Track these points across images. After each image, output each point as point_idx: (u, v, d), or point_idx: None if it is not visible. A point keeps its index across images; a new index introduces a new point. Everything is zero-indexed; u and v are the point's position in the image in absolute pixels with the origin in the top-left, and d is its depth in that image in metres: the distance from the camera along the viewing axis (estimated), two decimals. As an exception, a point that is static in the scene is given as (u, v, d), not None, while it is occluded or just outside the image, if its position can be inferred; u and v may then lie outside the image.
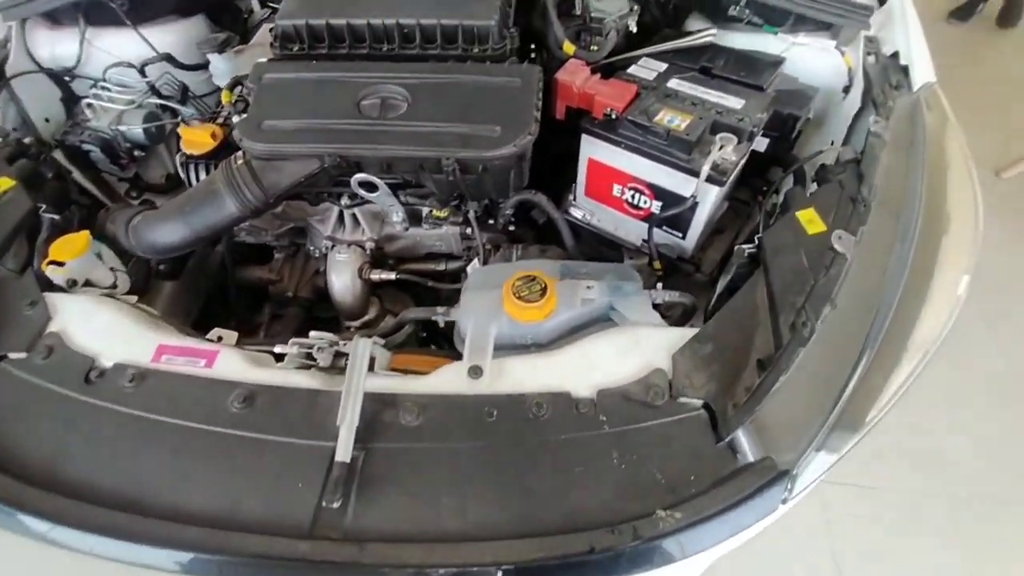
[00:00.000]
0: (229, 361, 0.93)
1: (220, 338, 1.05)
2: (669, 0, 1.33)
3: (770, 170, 1.33)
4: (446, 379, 0.89)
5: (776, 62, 1.22)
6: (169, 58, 1.41)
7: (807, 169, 1.20)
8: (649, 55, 1.23)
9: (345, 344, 0.90)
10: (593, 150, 1.16)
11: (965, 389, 2.11)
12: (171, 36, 1.44)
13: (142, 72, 1.41)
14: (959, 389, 2.09)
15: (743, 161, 1.07)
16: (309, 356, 0.91)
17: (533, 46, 1.24)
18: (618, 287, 0.97)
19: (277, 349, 0.91)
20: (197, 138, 1.14)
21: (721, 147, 1.01)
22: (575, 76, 1.12)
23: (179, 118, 1.36)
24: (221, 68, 1.41)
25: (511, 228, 1.29)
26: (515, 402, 0.85)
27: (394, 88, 1.04)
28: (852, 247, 0.89)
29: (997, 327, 2.32)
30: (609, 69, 1.22)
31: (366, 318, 1.32)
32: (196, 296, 1.48)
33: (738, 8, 1.22)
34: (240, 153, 1.04)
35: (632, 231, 1.26)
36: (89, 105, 1.34)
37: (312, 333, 0.90)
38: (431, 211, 1.18)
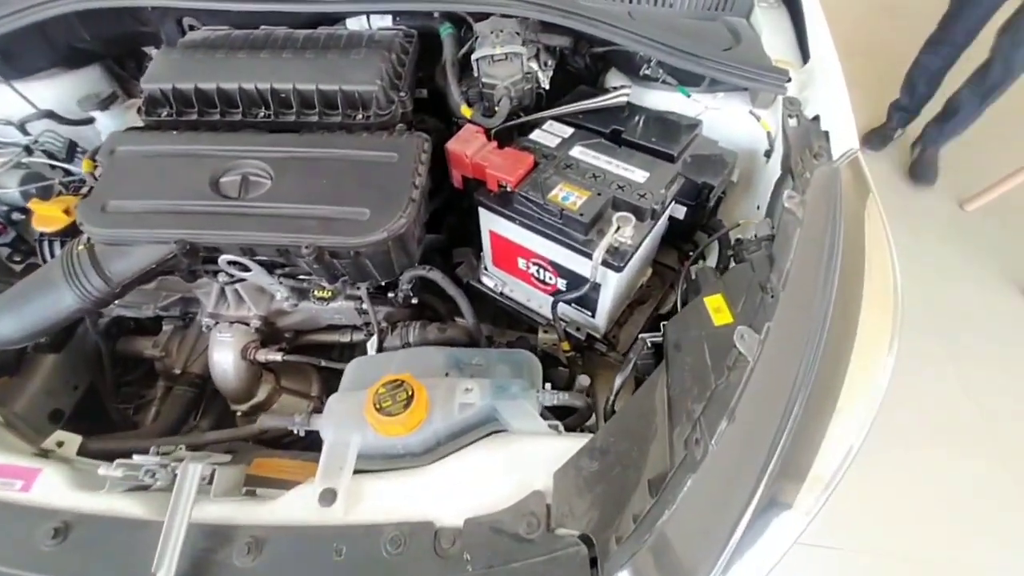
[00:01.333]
0: (50, 482, 0.81)
1: (61, 443, 0.93)
2: (586, 54, 1.24)
3: (697, 233, 1.24)
4: (294, 505, 0.78)
5: (691, 125, 1.14)
6: (51, 114, 1.30)
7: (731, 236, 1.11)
8: (556, 117, 1.14)
9: (177, 464, 0.78)
10: (492, 223, 1.06)
11: (931, 433, 2.01)
12: (61, 89, 1.34)
13: (23, 130, 1.30)
14: (924, 433, 1.99)
15: (648, 239, 0.98)
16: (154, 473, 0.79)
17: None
18: (503, 388, 0.86)
19: (101, 471, 0.79)
20: (49, 213, 1.03)
21: (618, 228, 0.91)
22: (468, 145, 1.03)
23: (54, 180, 1.25)
24: (108, 125, 1.31)
25: (413, 301, 1.18)
26: (370, 536, 0.74)
27: (257, 164, 0.93)
28: (756, 346, 0.79)
29: (961, 363, 2.24)
30: (511, 132, 1.13)
31: (254, 401, 1.19)
32: (84, 369, 1.35)
33: (650, 68, 1.14)
34: (85, 236, 0.93)
35: (545, 303, 1.16)
36: (-44, 167, 1.23)
37: (136, 457, 0.78)
38: (314, 291, 1.07)
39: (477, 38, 1.08)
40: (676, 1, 1.18)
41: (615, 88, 1.22)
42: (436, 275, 1.07)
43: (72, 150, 1.35)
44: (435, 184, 1.12)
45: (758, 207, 1.20)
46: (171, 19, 1.20)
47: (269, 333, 1.20)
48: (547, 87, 1.20)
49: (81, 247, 0.91)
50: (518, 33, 1.07)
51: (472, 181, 1.05)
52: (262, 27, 1.15)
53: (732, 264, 1.01)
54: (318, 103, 1.02)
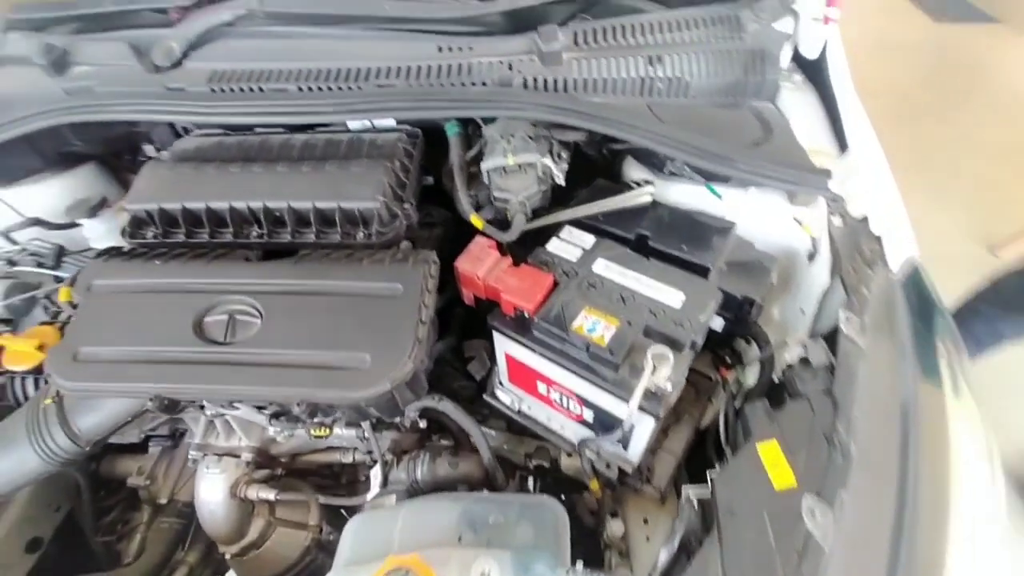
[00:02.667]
0: None
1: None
2: (603, 147, 1.16)
3: (735, 338, 1.12)
4: None
5: (725, 228, 1.03)
6: (38, 222, 1.23)
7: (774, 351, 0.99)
8: (575, 222, 1.04)
9: None
10: (508, 347, 0.95)
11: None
12: (51, 192, 1.27)
13: (9, 239, 1.23)
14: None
15: (681, 381, 0.86)
16: None
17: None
18: (525, 566, 0.73)
19: None
20: (21, 349, 0.94)
21: (654, 369, 0.79)
22: (479, 264, 0.92)
23: (39, 291, 1.16)
24: (99, 231, 1.23)
25: (421, 426, 1.06)
26: None
27: (245, 301, 0.83)
28: (831, 528, 0.66)
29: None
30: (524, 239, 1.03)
31: (245, 541, 1.07)
32: (65, 489, 1.24)
33: (675, 165, 1.05)
34: (52, 389, 0.83)
35: (568, 425, 1.03)
36: (-67, 282, 1.16)
37: None
38: (308, 429, 0.96)
39: (486, 143, 0.99)
40: (697, 88, 1.09)
41: (635, 183, 1.12)
42: (447, 407, 0.96)
43: (60, 256, 1.28)
44: (442, 279, 1.02)
45: (802, 311, 1.08)
46: (163, 124, 1.14)
47: (263, 461, 1.08)
48: (562, 183, 1.11)
49: (48, 400, 0.81)
50: (531, 137, 0.98)
51: (485, 301, 0.94)
52: (257, 131, 1.08)
53: (785, 398, 0.89)
54: (315, 222, 0.93)
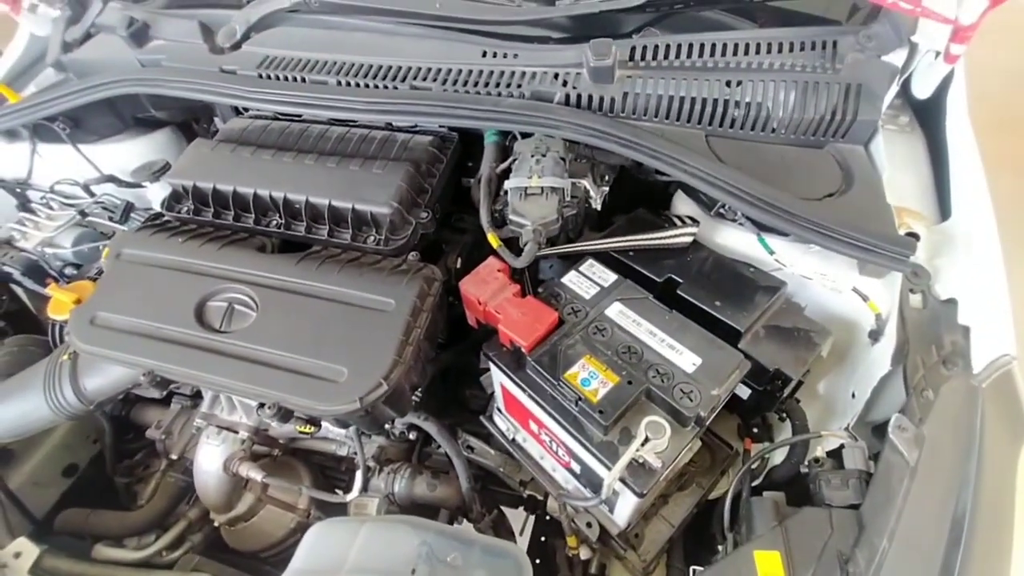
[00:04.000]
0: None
1: (18, 554, 0.88)
2: (651, 172, 1.04)
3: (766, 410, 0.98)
4: None
5: (772, 287, 0.89)
6: (112, 178, 1.34)
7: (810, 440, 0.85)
8: (600, 254, 0.95)
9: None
10: (503, 380, 0.89)
11: None
12: (129, 152, 1.37)
13: (88, 191, 1.35)
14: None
15: (687, 453, 0.75)
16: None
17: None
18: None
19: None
20: (61, 300, 1.02)
21: (646, 440, 0.70)
22: (484, 287, 0.87)
23: (106, 241, 1.27)
24: (161, 195, 1.32)
25: (411, 437, 1.04)
26: None
27: (246, 292, 0.84)
28: None
29: None
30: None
31: (233, 513, 1.11)
32: (81, 444, 1.35)
33: (727, 208, 0.92)
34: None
35: (559, 469, 0.96)
36: (22, 223, 1.30)
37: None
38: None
39: (516, 158, 0.93)
40: (775, 122, 0.94)
41: (680, 219, 1.00)
42: (431, 428, 0.92)
43: (128, 211, 1.38)
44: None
45: (853, 395, 0.92)
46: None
47: (261, 440, 1.11)
48: (599, 207, 1.02)
49: (65, 356, 0.87)
50: (563, 158, 0.90)
51: (483, 329, 0.89)
52: (304, 117, 1.08)
53: (807, 495, 0.76)
54: (328, 219, 0.92)
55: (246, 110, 1.18)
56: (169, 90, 1.03)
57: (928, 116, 1.04)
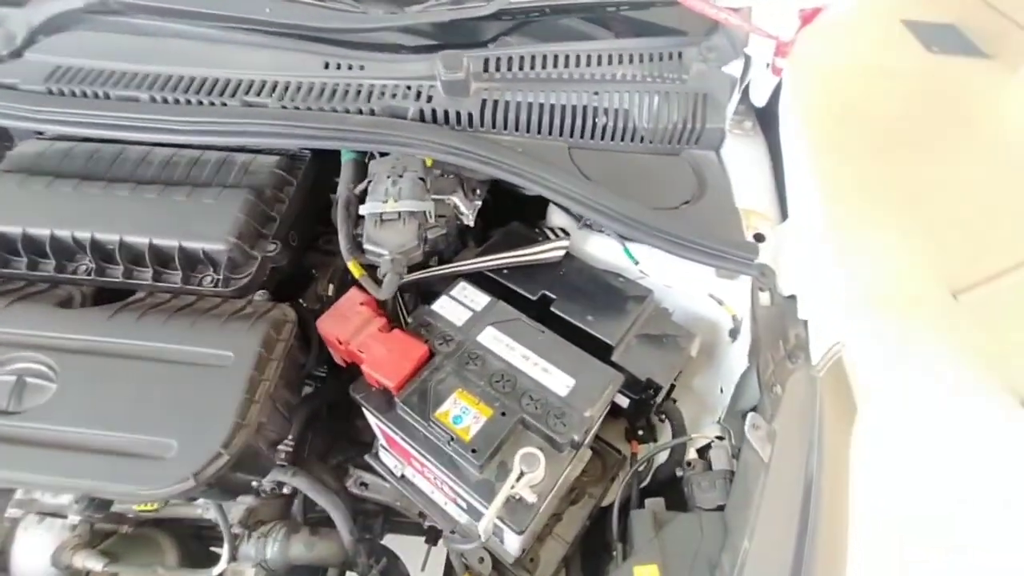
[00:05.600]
0: None
1: None
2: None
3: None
4: None
5: (640, 296, 0.91)
6: None
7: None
8: (472, 275, 0.92)
9: None
10: (374, 420, 0.82)
11: None
12: None
13: None
14: None
15: (566, 477, 0.74)
16: None
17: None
18: None
19: None
20: None
21: (521, 475, 0.67)
22: (344, 324, 0.79)
23: None
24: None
25: (285, 491, 0.94)
26: None
27: (39, 359, 0.69)
28: None
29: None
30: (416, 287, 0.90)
31: (73, 610, 0.93)
32: None
33: (591, 222, 0.92)
34: None
35: (450, 504, 0.91)
36: None
37: None
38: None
39: (371, 182, 0.85)
40: (635, 130, 0.96)
41: (553, 232, 1.00)
42: (300, 483, 0.83)
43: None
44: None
45: (721, 390, 0.97)
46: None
47: (104, 518, 0.94)
48: (471, 223, 0.98)
49: None
50: (422, 178, 0.85)
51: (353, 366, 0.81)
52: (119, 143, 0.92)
53: (683, 503, 0.78)
54: (151, 261, 0.78)
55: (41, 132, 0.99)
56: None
57: (768, 120, 1.13)
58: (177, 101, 0.84)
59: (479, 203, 1.00)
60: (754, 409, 0.79)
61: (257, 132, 0.79)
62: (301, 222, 0.94)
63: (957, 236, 2.93)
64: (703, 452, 0.86)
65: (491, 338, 0.82)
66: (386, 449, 0.98)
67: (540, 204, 1.09)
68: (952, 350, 2.44)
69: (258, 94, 0.84)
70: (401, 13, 0.91)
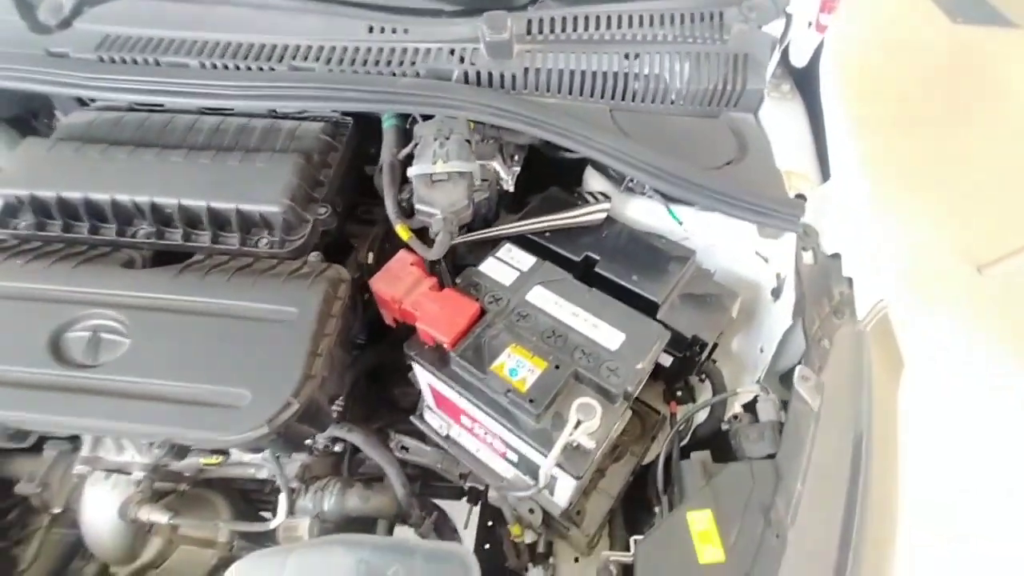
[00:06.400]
0: None
1: None
2: (558, 149, 1.03)
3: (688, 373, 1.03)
4: None
5: (683, 257, 0.92)
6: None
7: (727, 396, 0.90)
8: (517, 237, 0.93)
9: None
10: (429, 378, 0.85)
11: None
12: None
13: None
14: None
15: (618, 428, 0.76)
16: None
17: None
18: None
19: None
20: None
21: (578, 423, 0.70)
22: (397, 283, 0.81)
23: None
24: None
25: (336, 449, 0.97)
26: None
27: (112, 317, 0.72)
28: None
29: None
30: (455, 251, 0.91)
31: (139, 563, 0.98)
32: None
33: (635, 182, 0.93)
34: None
35: (495, 460, 0.94)
36: None
37: None
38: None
39: (418, 142, 0.87)
40: (673, 94, 0.96)
41: (593, 196, 1.00)
42: (357, 438, 0.86)
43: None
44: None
45: (761, 349, 0.99)
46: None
47: (161, 477, 0.99)
48: (511, 188, 0.99)
49: None
50: (468, 140, 0.86)
51: (404, 325, 0.84)
52: (165, 107, 0.93)
53: (730, 455, 0.80)
54: (208, 224, 0.80)
55: (92, 100, 1.00)
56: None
57: (806, 83, 1.12)
58: (226, 67, 0.85)
59: (517, 168, 1.01)
60: (800, 363, 0.80)
61: (306, 96, 0.81)
62: (343, 190, 0.96)
63: (982, 210, 2.89)
64: (748, 407, 0.88)
65: (540, 296, 0.83)
66: (431, 410, 1.01)
67: (573, 171, 1.10)
68: (975, 326, 2.43)
69: (304, 59, 0.85)
70: (443, -25, 0.91)
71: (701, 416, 1.00)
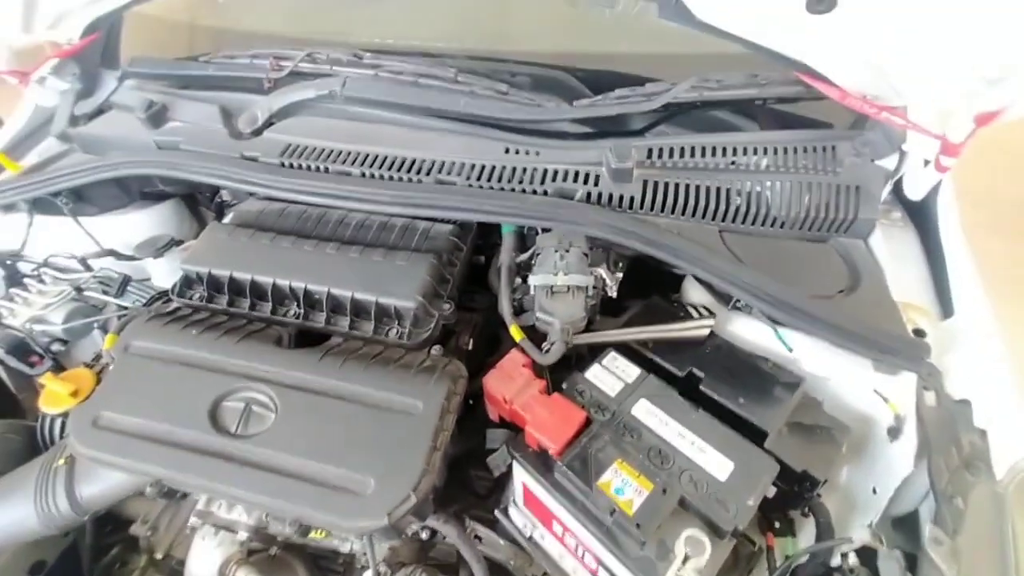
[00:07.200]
0: None
1: None
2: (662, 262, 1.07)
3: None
4: None
5: (791, 384, 0.91)
6: (112, 252, 1.30)
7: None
8: (621, 346, 0.96)
9: None
10: (526, 479, 0.87)
11: None
12: (132, 224, 1.35)
13: (86, 265, 1.31)
14: None
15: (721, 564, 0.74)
16: None
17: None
18: None
19: None
20: (56, 393, 0.96)
21: (686, 559, 0.68)
22: (509, 383, 0.86)
23: (97, 317, 1.22)
24: (163, 271, 1.29)
25: (423, 537, 0.99)
26: None
27: (264, 391, 0.81)
28: None
29: None
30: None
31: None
32: (51, 538, 1.23)
33: (742, 303, 0.95)
34: (66, 448, 0.83)
35: (580, 573, 0.92)
36: (11, 298, 1.24)
37: None
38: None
39: (539, 252, 0.94)
40: (783, 218, 0.99)
41: (695, 309, 1.03)
42: (451, 532, 0.88)
43: (125, 285, 1.34)
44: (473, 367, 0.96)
45: (874, 490, 0.92)
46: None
47: (259, 539, 1.04)
48: (614, 294, 1.03)
49: (61, 461, 0.81)
50: (585, 253, 0.92)
51: (510, 424, 0.87)
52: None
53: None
54: (350, 311, 0.90)
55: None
56: (190, 174, 1.03)
57: (918, 213, 1.11)
58: (382, 177, 0.99)
59: (621, 275, 1.06)
60: (932, 522, 0.75)
61: (451, 207, 0.92)
62: (462, 284, 1.04)
63: None
64: (861, 557, 0.82)
65: (645, 411, 0.85)
66: (518, 507, 1.01)
67: (672, 279, 1.14)
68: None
69: (449, 173, 0.97)
70: (572, 107, 1.03)
71: (802, 557, 0.93)
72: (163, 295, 1.03)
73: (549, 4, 0.91)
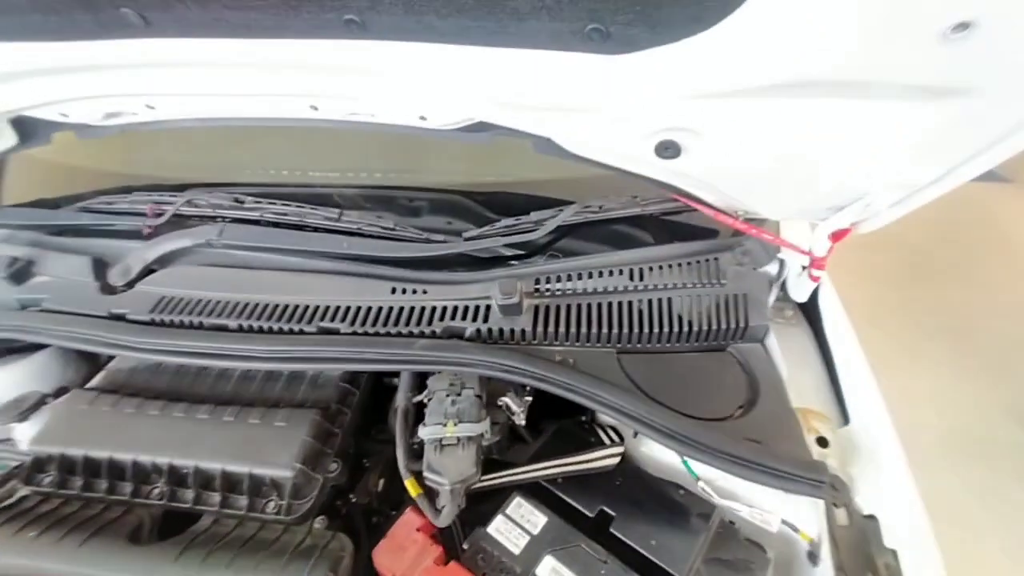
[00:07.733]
0: None
1: None
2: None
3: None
4: None
5: (705, 514, 0.87)
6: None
7: None
8: (526, 486, 0.90)
9: None
10: (427, 667, 0.76)
11: None
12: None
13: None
14: None
15: None
16: None
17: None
18: None
19: None
20: None
21: None
22: (399, 558, 0.78)
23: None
24: (29, 435, 1.15)
25: None
26: None
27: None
28: None
29: None
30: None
31: None
32: None
33: (646, 431, 0.92)
34: None
35: None
36: None
37: None
38: None
39: (429, 399, 0.90)
40: (677, 333, 0.99)
41: (605, 432, 0.99)
42: None
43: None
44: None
45: (805, 618, 0.87)
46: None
47: None
48: (523, 421, 0.99)
49: None
50: (479, 396, 0.88)
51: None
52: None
53: None
54: (220, 487, 0.81)
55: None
56: (49, 338, 0.95)
57: (810, 309, 1.15)
58: (261, 329, 0.94)
59: (529, 399, 1.02)
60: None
61: (330, 358, 0.86)
62: (357, 430, 0.97)
63: (1017, 359, 2.77)
64: None
65: (550, 571, 0.78)
66: None
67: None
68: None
69: (332, 319, 0.93)
70: (461, 242, 1.03)
71: None
72: (8, 483, 0.90)
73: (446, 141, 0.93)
